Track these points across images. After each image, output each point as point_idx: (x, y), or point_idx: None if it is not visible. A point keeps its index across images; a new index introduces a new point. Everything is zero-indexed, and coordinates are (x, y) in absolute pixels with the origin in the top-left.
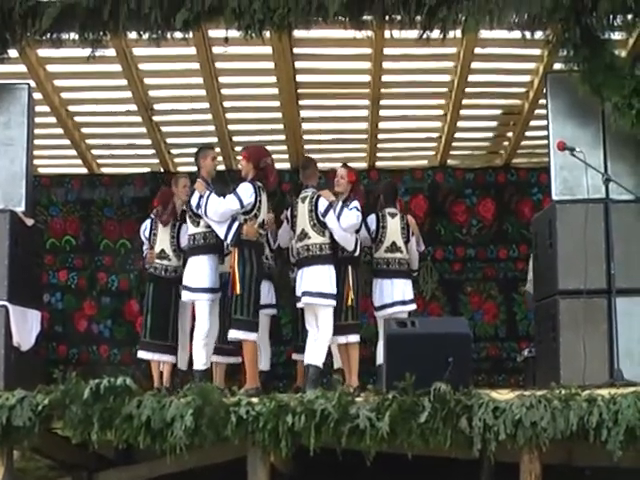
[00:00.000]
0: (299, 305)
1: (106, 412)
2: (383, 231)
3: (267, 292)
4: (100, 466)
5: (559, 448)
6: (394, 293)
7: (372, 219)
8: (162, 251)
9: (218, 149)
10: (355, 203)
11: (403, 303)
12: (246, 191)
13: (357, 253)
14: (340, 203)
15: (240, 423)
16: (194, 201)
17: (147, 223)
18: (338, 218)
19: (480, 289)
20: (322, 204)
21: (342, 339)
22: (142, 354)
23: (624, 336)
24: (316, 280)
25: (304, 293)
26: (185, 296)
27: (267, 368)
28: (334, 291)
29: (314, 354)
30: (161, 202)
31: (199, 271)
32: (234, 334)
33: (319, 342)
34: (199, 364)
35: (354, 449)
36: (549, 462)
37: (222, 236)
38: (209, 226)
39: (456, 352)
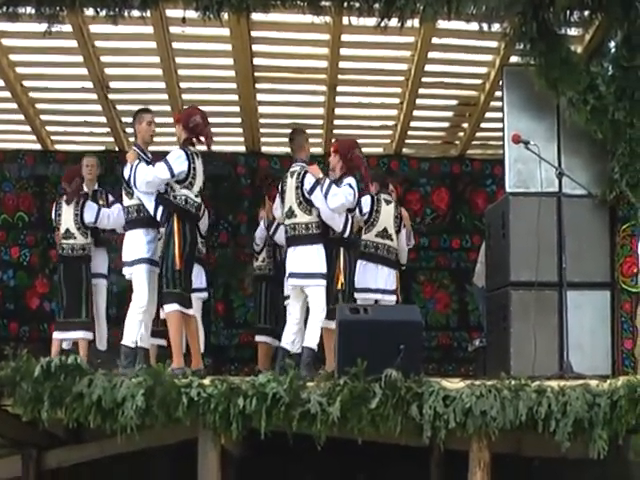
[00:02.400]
0: (287, 287)
1: (57, 390)
2: (376, 215)
3: (199, 276)
4: (50, 444)
5: (508, 438)
6: (378, 279)
7: (367, 201)
8: (67, 230)
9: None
10: (349, 180)
11: (384, 292)
12: (177, 158)
13: (347, 234)
14: (327, 180)
15: (191, 404)
16: (126, 172)
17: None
18: (325, 196)
19: (433, 278)
20: (308, 181)
21: (331, 324)
22: (57, 334)
23: (574, 329)
24: (303, 261)
25: (291, 274)
26: (125, 272)
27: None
28: (323, 271)
29: (308, 336)
30: (66, 180)
31: (135, 244)
32: (173, 307)
33: (312, 323)
34: (129, 339)
35: (305, 433)
36: (498, 451)
37: (151, 211)
38: None
39: (408, 340)
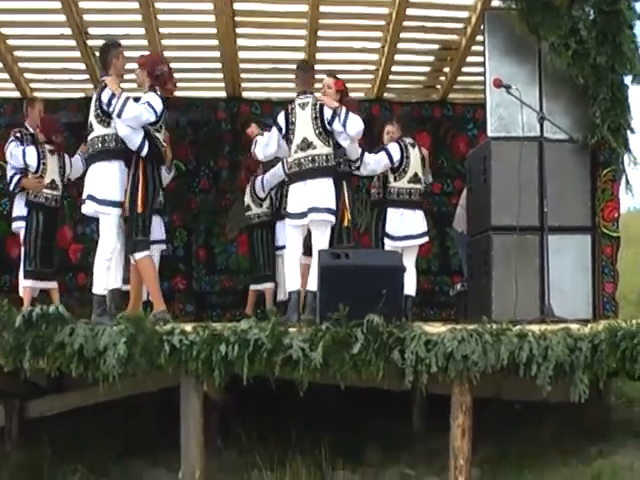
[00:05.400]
0: (302, 222)
1: (38, 340)
2: (407, 161)
3: (158, 227)
4: (32, 394)
5: (490, 382)
6: (416, 225)
7: (396, 148)
8: (53, 181)
9: None
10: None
11: (422, 235)
12: (157, 100)
13: (359, 164)
14: (344, 108)
15: (173, 352)
16: (105, 98)
17: (26, 149)
18: (344, 125)
19: None
20: (327, 111)
21: None
22: (30, 283)
23: (555, 273)
24: (323, 195)
25: (312, 209)
26: (89, 208)
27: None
28: (335, 207)
29: (312, 280)
30: (54, 131)
31: (108, 180)
32: (144, 253)
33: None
34: (99, 288)
35: (287, 379)
36: (480, 395)
37: (135, 146)
38: None
39: (389, 285)
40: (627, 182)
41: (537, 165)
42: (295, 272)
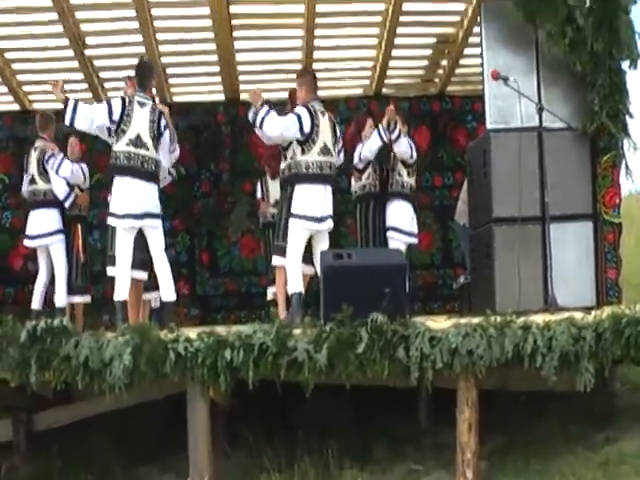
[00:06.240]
0: (321, 227)
1: (44, 353)
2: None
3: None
4: (39, 407)
5: (495, 374)
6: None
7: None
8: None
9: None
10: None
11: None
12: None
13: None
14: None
15: (179, 359)
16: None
17: (81, 165)
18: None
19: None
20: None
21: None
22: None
23: (558, 262)
24: (330, 202)
25: (331, 216)
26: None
27: None
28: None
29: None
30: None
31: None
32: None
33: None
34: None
35: (293, 382)
36: (485, 388)
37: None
38: None
39: (392, 283)
40: (627, 167)
41: (537, 155)
42: (299, 273)
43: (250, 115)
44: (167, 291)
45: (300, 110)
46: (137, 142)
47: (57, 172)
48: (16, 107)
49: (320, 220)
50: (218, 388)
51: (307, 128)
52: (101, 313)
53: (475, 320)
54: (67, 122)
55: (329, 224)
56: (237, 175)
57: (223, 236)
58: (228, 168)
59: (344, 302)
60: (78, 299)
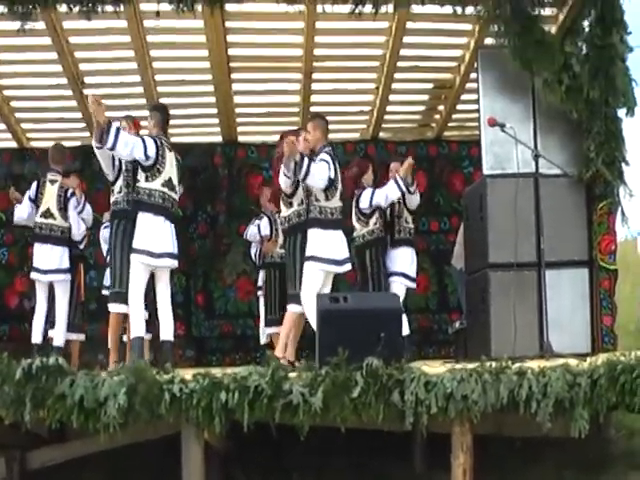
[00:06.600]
0: (341, 269)
1: (39, 392)
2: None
3: None
4: (33, 445)
5: (490, 420)
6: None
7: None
8: None
9: None
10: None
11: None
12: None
13: None
14: None
15: (174, 401)
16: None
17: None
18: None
19: None
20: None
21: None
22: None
23: (554, 308)
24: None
25: (349, 259)
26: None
27: None
28: None
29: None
30: None
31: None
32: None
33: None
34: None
35: (288, 424)
36: (480, 432)
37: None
38: None
39: (388, 327)
40: (623, 214)
41: (533, 201)
42: None
43: (288, 168)
44: (167, 330)
45: (325, 156)
46: (170, 185)
47: (79, 213)
48: (14, 144)
49: (340, 263)
50: (213, 430)
51: (332, 174)
52: (96, 352)
53: (470, 365)
54: (108, 145)
55: (348, 267)
56: (233, 217)
57: (219, 278)
58: (225, 210)
59: (340, 345)
60: (75, 337)
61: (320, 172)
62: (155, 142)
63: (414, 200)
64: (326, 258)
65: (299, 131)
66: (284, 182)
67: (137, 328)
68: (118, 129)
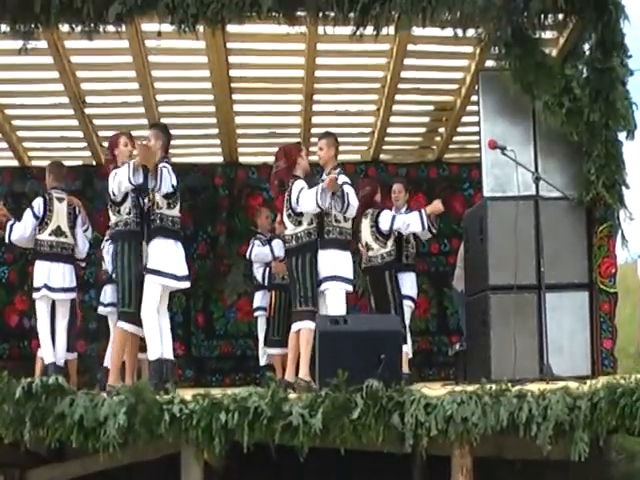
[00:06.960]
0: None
1: (38, 411)
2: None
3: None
4: (33, 464)
5: (490, 442)
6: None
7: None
8: None
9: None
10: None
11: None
12: None
13: None
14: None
15: (173, 421)
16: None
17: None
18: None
19: None
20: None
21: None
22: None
23: (554, 331)
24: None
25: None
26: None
27: None
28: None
29: None
30: None
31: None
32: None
33: None
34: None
35: (288, 446)
36: (480, 455)
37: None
38: None
39: (387, 349)
40: (623, 238)
41: (533, 224)
42: None
43: (324, 201)
44: (168, 350)
45: (348, 181)
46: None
47: (85, 232)
48: (15, 163)
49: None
50: (212, 450)
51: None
52: (94, 371)
53: (470, 388)
54: (158, 189)
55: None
56: (234, 237)
57: (219, 298)
58: (225, 230)
59: (340, 367)
60: (71, 356)
61: (356, 201)
62: (171, 169)
63: (428, 234)
64: (345, 277)
65: (299, 145)
66: (312, 209)
67: (155, 350)
68: (165, 170)
